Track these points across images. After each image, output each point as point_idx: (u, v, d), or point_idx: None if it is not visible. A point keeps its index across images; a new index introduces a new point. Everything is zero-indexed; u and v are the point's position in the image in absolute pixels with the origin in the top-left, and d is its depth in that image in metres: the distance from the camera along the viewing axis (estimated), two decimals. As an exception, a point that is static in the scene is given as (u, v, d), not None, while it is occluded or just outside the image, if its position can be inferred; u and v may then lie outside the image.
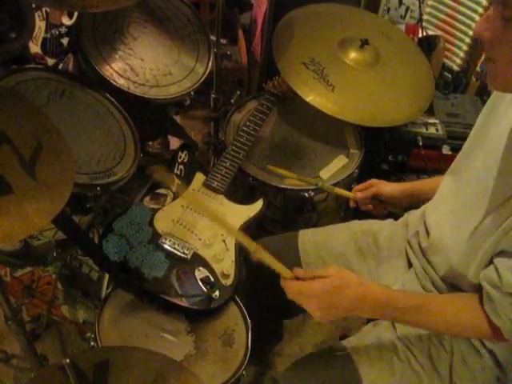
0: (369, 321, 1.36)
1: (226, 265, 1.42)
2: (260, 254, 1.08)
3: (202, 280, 1.38)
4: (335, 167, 1.77)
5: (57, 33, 2.05)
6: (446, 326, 1.11)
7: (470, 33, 2.12)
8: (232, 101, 1.95)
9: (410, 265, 1.35)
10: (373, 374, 1.20)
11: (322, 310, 1.05)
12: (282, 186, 1.70)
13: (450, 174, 1.28)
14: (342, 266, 1.45)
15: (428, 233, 1.27)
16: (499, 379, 1.20)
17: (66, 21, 2.03)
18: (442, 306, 1.11)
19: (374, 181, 1.51)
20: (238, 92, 1.97)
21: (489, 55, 0.93)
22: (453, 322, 1.10)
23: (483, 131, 1.14)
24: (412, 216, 1.42)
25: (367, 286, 1.09)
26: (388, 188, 1.47)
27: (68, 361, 0.97)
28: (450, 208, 1.20)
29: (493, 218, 1.04)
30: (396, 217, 1.49)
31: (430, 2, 2.22)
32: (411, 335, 1.24)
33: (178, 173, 1.64)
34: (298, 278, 1.06)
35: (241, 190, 1.79)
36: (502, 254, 1.03)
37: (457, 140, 1.86)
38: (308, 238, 1.50)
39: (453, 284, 1.20)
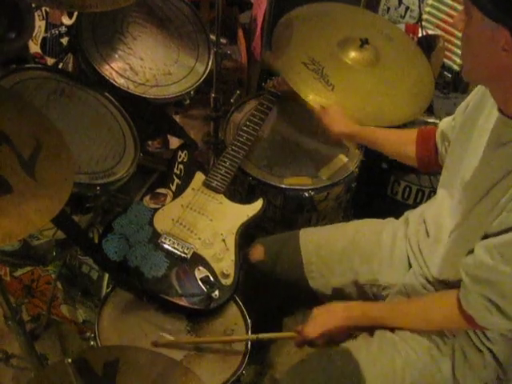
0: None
1: (225, 264, 1.42)
2: (262, 337, 1.33)
3: (201, 279, 1.38)
4: (335, 166, 1.77)
5: (56, 32, 2.05)
6: (423, 323, 1.22)
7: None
8: (232, 100, 1.95)
9: (410, 265, 1.35)
10: (374, 370, 1.21)
11: (329, 341, 1.26)
12: (282, 185, 1.70)
13: (444, 175, 1.29)
14: (344, 265, 1.45)
15: (428, 233, 1.28)
16: (499, 378, 1.20)
17: (66, 20, 2.03)
18: (415, 306, 1.24)
19: (331, 108, 1.63)
20: (238, 91, 1.97)
21: (461, 45, 1.01)
22: (428, 318, 1.21)
23: (467, 137, 1.16)
24: (412, 214, 1.42)
25: (346, 306, 1.29)
26: (336, 130, 1.59)
27: (70, 360, 0.97)
28: (446, 209, 1.22)
29: (476, 214, 1.07)
30: (396, 216, 1.50)
31: (429, 2, 2.21)
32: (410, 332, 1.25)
33: (178, 172, 1.63)
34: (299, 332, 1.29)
35: (241, 190, 1.79)
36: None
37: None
38: (309, 237, 1.50)
39: (448, 283, 1.21)
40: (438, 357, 1.21)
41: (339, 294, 1.45)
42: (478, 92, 1.18)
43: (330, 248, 1.46)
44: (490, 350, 1.19)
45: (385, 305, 1.33)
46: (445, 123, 1.35)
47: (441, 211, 1.24)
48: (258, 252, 1.51)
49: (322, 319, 1.27)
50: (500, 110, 1.02)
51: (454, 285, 1.16)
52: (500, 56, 0.91)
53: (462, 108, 1.27)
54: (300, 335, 1.28)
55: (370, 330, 1.29)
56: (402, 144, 1.47)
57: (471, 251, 1.09)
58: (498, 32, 0.88)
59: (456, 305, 1.12)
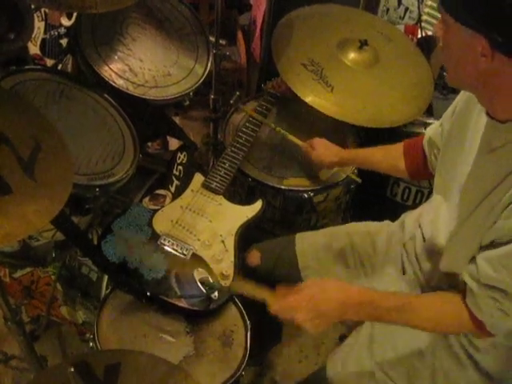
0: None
1: (224, 265, 1.42)
2: (238, 285, 1.21)
3: (200, 281, 1.38)
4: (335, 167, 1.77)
5: (56, 34, 2.05)
6: (429, 323, 1.13)
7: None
8: (231, 101, 1.95)
9: (404, 271, 1.35)
10: None
11: (311, 320, 1.08)
12: (282, 186, 1.70)
13: (437, 181, 1.29)
14: (340, 268, 1.45)
15: (424, 238, 1.28)
16: None
17: (65, 22, 2.03)
18: (424, 304, 1.13)
19: (315, 142, 1.65)
20: (237, 93, 1.97)
21: (443, 53, 1.00)
22: (436, 319, 1.13)
23: (459, 142, 1.16)
24: (409, 217, 1.42)
25: (347, 288, 1.13)
26: (326, 161, 1.62)
27: (72, 369, 0.97)
28: (442, 214, 1.22)
29: (473, 221, 1.06)
30: (396, 217, 1.50)
31: (428, 3, 2.22)
32: (390, 359, 1.24)
33: (177, 173, 1.63)
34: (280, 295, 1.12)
35: (240, 191, 1.79)
36: (481, 248, 1.05)
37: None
38: (305, 241, 1.50)
39: (442, 289, 1.20)
40: (417, 381, 1.21)
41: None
42: (464, 95, 1.18)
43: (326, 252, 1.46)
44: (477, 364, 1.17)
45: (393, 295, 1.17)
46: (432, 130, 1.35)
47: (437, 216, 1.24)
48: (254, 257, 1.52)
49: (312, 295, 1.09)
50: (488, 114, 1.02)
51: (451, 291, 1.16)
52: (479, 61, 0.90)
53: (448, 113, 1.26)
54: (281, 305, 1.10)
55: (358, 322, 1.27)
56: (391, 159, 1.48)
57: (471, 259, 1.07)
58: (475, 39, 0.88)
59: (465, 310, 1.09)
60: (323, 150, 1.63)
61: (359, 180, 1.75)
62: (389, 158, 1.49)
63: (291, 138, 1.76)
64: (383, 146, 1.54)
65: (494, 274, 1.00)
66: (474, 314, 1.07)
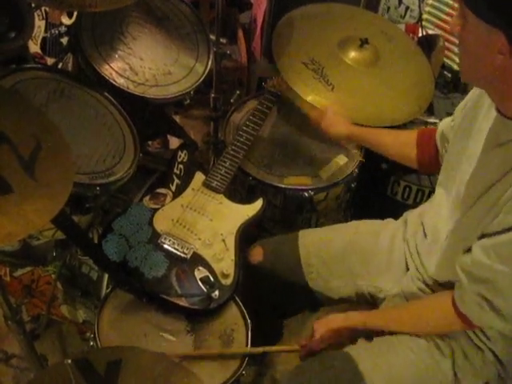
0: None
1: (225, 264, 1.42)
2: (265, 350, 1.35)
3: (201, 280, 1.38)
4: (335, 166, 1.77)
5: (56, 32, 2.05)
6: (418, 328, 1.22)
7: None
8: (232, 100, 1.95)
9: (407, 268, 1.35)
10: (373, 373, 1.21)
11: (336, 344, 1.27)
12: (282, 185, 1.70)
13: (442, 174, 1.29)
14: (342, 266, 1.45)
15: (425, 234, 1.28)
16: (499, 375, 1.21)
17: (66, 20, 2.03)
18: (407, 313, 1.25)
19: (330, 108, 1.60)
20: (238, 91, 1.97)
21: (459, 48, 1.00)
22: (423, 323, 1.22)
23: (466, 136, 1.16)
24: (411, 215, 1.42)
25: (347, 317, 1.29)
26: (334, 130, 1.57)
27: (70, 361, 0.97)
28: (444, 209, 1.22)
29: (472, 214, 1.08)
30: (396, 216, 1.49)
31: (429, 2, 2.21)
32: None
33: (178, 172, 1.63)
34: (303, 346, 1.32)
35: (240, 190, 1.79)
36: (479, 238, 1.07)
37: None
38: (308, 238, 1.50)
39: (445, 285, 1.21)
40: (438, 357, 1.21)
41: (338, 296, 1.45)
42: (476, 91, 1.18)
43: (329, 249, 1.46)
44: (490, 349, 1.19)
45: (379, 313, 1.33)
46: (444, 124, 1.35)
47: (439, 211, 1.24)
48: (256, 254, 1.51)
49: (325, 330, 1.28)
50: (498, 110, 1.02)
51: (450, 287, 1.17)
52: (496, 59, 0.91)
53: (460, 108, 1.27)
54: (304, 349, 1.30)
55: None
56: (402, 145, 1.46)
57: (468, 250, 1.09)
58: (494, 35, 0.88)
59: (451, 305, 1.12)
60: (335, 119, 1.57)
61: (362, 159, 1.74)
62: (400, 143, 1.47)
63: (301, 103, 1.74)
64: (394, 131, 1.52)
65: (487, 261, 1.02)
66: (458, 307, 1.10)
